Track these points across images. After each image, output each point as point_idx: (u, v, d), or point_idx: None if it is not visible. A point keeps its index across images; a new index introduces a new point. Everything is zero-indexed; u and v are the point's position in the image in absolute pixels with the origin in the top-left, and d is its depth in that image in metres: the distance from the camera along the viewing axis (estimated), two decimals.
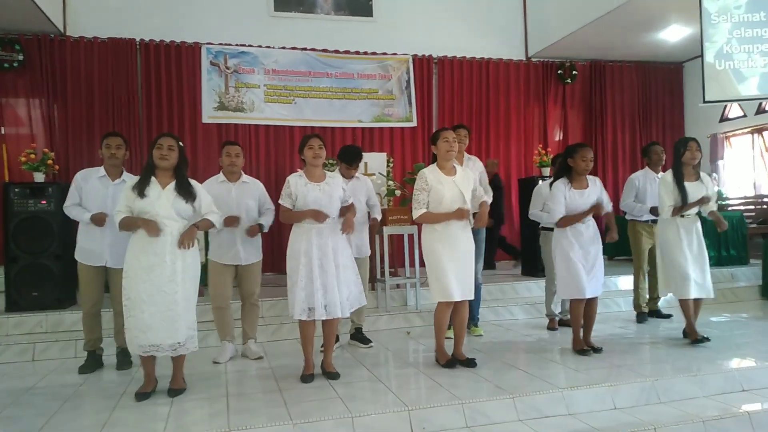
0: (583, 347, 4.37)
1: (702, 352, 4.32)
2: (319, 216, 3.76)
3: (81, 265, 4.23)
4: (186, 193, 3.58)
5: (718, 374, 3.77)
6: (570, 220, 4.32)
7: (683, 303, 4.63)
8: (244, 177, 4.59)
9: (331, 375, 3.87)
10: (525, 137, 9.19)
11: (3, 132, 7.36)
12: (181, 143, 3.67)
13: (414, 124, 8.65)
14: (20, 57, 7.27)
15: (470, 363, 4.04)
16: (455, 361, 4.06)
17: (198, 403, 3.46)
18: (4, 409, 3.45)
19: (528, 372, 3.90)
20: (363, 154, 4.93)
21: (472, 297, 4.11)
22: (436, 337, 4.15)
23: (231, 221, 4.28)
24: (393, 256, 6.18)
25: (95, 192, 4.20)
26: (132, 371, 4.17)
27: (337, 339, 4.74)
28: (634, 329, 5.20)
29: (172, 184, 3.58)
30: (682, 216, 4.56)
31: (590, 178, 4.39)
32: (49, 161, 5.66)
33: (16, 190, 5.36)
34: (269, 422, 3.07)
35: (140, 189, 3.50)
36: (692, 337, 4.56)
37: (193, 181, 3.70)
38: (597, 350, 4.36)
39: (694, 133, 9.86)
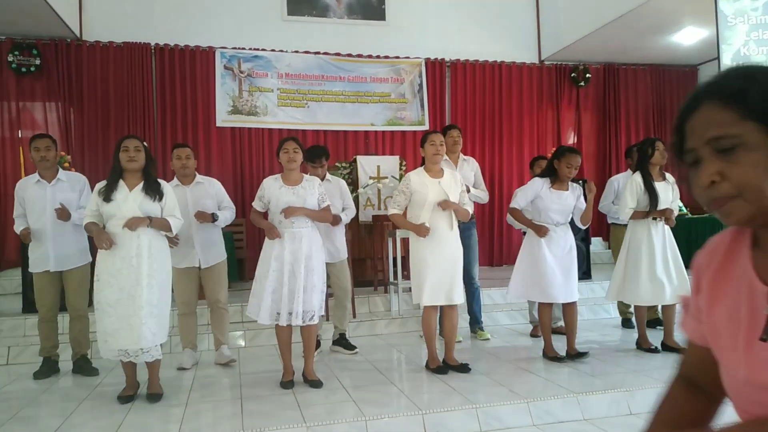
0: (556, 354, 4.28)
1: None
2: (271, 233, 3.71)
3: (34, 274, 4.23)
4: (154, 191, 3.55)
5: None
6: (519, 217, 4.29)
7: (639, 310, 4.55)
8: (199, 177, 4.49)
9: (313, 383, 3.77)
10: (538, 141, 9.15)
11: (20, 135, 7.45)
12: (145, 143, 3.66)
13: (426, 127, 8.64)
14: (37, 61, 7.37)
15: (463, 368, 4.00)
16: (447, 367, 4.01)
17: (212, 405, 3.48)
18: (21, 409, 3.48)
19: (542, 376, 3.88)
20: (329, 153, 4.81)
21: (459, 301, 4.06)
22: (426, 342, 4.11)
23: (202, 216, 4.20)
24: (405, 260, 6.17)
25: (34, 198, 4.18)
26: (144, 374, 4.18)
27: (318, 345, 4.64)
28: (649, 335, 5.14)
29: (140, 186, 3.54)
30: (654, 219, 4.47)
31: (571, 184, 4.34)
32: (66, 164, 5.72)
33: None
34: (283, 424, 3.07)
35: (106, 194, 3.48)
36: (644, 345, 4.50)
37: (162, 182, 3.69)
38: (582, 355, 4.23)
39: None
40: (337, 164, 6.75)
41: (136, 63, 7.75)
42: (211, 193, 4.46)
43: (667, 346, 4.49)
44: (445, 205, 3.96)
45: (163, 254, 3.62)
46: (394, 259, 5.74)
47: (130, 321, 3.40)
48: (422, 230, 3.93)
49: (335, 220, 4.49)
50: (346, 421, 3.13)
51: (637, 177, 4.47)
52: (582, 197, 4.37)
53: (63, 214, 4.04)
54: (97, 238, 3.43)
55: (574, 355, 4.26)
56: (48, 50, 7.49)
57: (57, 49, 7.51)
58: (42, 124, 7.53)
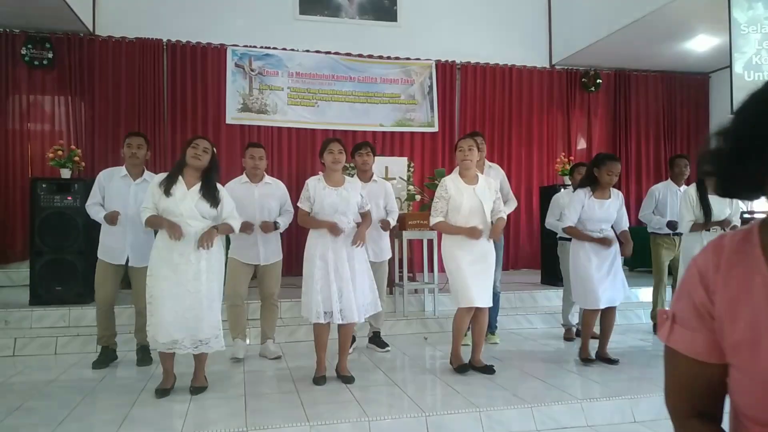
0: (589, 356, 4.32)
1: None
2: (335, 230, 3.76)
3: (101, 261, 4.29)
4: (211, 197, 3.61)
5: None
6: (577, 233, 4.29)
7: None
8: (267, 178, 4.64)
9: (345, 378, 3.86)
10: (548, 145, 9.13)
11: (29, 128, 7.50)
12: (215, 149, 3.73)
13: (435, 129, 8.64)
14: (50, 55, 7.41)
15: (488, 370, 4.02)
16: (468, 366, 4.04)
17: (216, 402, 3.49)
18: (26, 401, 3.50)
19: (546, 382, 3.87)
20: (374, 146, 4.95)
21: (490, 304, 4.10)
22: (454, 341, 4.14)
23: (246, 227, 4.26)
24: (412, 261, 6.17)
25: (117, 191, 4.26)
26: (151, 368, 4.21)
27: (354, 340, 4.79)
28: (654, 341, 5.13)
29: (198, 186, 3.60)
30: (708, 230, 4.47)
31: (613, 190, 4.35)
32: (76, 158, 5.75)
33: (43, 185, 5.43)
34: (286, 423, 3.08)
35: (167, 187, 3.54)
36: None
37: (219, 186, 3.74)
38: (613, 362, 4.28)
39: None
40: (345, 164, 6.74)
41: (147, 59, 7.78)
42: (277, 195, 4.61)
43: None
44: (496, 235, 4.06)
45: (219, 250, 3.70)
46: (400, 260, 5.74)
47: (186, 315, 3.45)
48: (475, 233, 3.95)
49: (385, 225, 4.66)
50: (349, 420, 3.13)
51: (691, 190, 4.54)
52: (624, 206, 4.40)
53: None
54: (171, 228, 3.45)
55: (606, 360, 4.30)
56: (61, 44, 7.53)
57: (70, 43, 7.55)
58: (53, 117, 7.57)
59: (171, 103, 7.90)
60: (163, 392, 3.57)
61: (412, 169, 7.03)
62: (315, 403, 3.42)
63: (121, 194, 4.25)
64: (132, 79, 7.72)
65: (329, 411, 3.26)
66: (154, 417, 3.22)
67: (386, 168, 6.64)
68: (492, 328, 5.14)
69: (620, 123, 9.48)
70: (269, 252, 4.57)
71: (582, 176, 4.63)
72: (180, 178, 3.60)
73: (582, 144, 9.41)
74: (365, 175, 4.74)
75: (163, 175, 3.64)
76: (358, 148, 4.78)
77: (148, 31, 7.80)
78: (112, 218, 4.15)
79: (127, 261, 4.25)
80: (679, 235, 4.99)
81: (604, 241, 4.25)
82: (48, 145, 7.07)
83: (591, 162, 4.43)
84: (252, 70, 8.07)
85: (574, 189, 4.53)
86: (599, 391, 3.62)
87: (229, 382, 3.91)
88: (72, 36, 7.55)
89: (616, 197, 4.34)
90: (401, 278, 5.75)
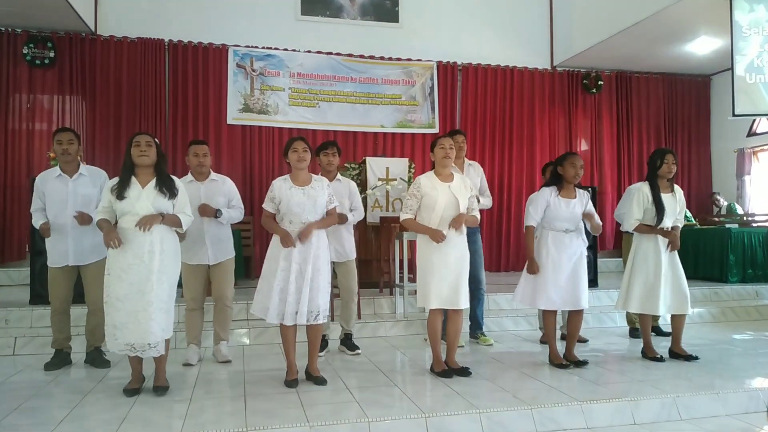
0: (562, 361, 4.28)
1: (724, 369, 4.24)
2: (287, 241, 3.66)
3: (49, 268, 4.24)
4: (167, 189, 3.56)
5: (741, 393, 3.69)
6: (528, 240, 4.34)
7: (644, 319, 4.56)
8: (213, 175, 4.51)
9: (317, 380, 3.80)
10: (549, 147, 9.13)
11: (31, 128, 7.50)
12: (156, 140, 3.67)
13: (436, 130, 8.64)
14: (51, 54, 7.42)
15: (464, 372, 3.99)
16: (452, 371, 4.01)
17: (216, 402, 3.48)
18: (26, 400, 3.50)
19: (546, 383, 3.86)
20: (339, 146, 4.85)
21: (464, 306, 4.03)
22: (431, 345, 4.11)
23: (205, 210, 4.20)
24: (411, 263, 6.16)
25: (55, 192, 4.15)
26: (150, 368, 4.19)
27: (326, 345, 4.72)
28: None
29: (153, 182, 3.56)
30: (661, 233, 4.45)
31: (579, 191, 4.34)
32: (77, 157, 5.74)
33: None
34: (286, 423, 3.07)
35: (119, 192, 3.49)
36: (649, 354, 4.50)
37: (174, 178, 3.69)
38: (581, 364, 4.24)
39: (721, 148, 9.74)
40: (346, 165, 6.76)
41: (149, 59, 7.79)
42: (224, 190, 4.49)
43: (675, 353, 4.53)
44: (456, 224, 3.92)
45: (174, 251, 3.64)
46: (401, 261, 5.74)
47: (137, 316, 3.41)
48: (438, 235, 3.89)
49: (341, 219, 4.47)
50: (349, 421, 3.13)
51: (645, 188, 4.49)
52: (591, 203, 4.37)
53: (84, 219, 4.04)
54: (106, 236, 3.44)
55: (574, 362, 4.27)
56: (62, 43, 7.54)
57: (71, 42, 7.57)
58: (54, 116, 7.58)
59: (172, 103, 7.91)
60: (131, 392, 3.56)
61: (413, 170, 7.02)
62: (315, 403, 3.41)
63: (60, 194, 4.14)
64: (133, 79, 7.73)
65: (329, 412, 3.26)
66: (154, 417, 3.21)
67: (387, 169, 6.64)
68: (481, 330, 5.12)
69: (622, 124, 9.49)
70: (218, 251, 4.42)
71: (547, 178, 4.64)
72: (133, 178, 3.54)
73: (584, 145, 9.42)
74: (329, 176, 4.63)
75: (116, 180, 3.57)
76: (324, 148, 4.68)
77: (149, 31, 7.82)
78: (43, 231, 4.12)
79: (70, 261, 4.19)
80: None
81: (533, 268, 4.26)
82: (49, 144, 7.09)
83: (555, 161, 4.44)
84: (253, 71, 8.09)
85: None
86: (599, 393, 3.61)
87: (229, 383, 3.91)
88: (74, 35, 7.56)
89: (581, 197, 4.32)
90: (401, 279, 5.75)
